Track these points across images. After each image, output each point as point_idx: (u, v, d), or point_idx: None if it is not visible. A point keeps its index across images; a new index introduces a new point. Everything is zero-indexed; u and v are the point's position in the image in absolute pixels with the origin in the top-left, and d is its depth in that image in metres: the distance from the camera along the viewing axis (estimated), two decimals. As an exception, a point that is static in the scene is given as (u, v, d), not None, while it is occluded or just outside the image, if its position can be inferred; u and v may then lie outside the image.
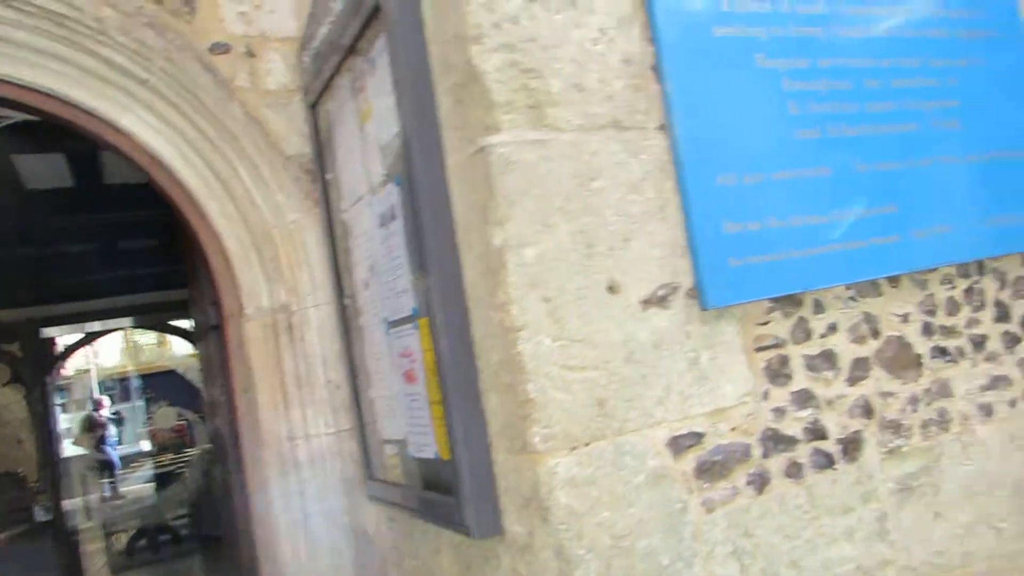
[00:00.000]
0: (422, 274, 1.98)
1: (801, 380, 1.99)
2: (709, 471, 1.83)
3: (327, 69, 2.67)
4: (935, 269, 2.24)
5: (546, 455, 1.68)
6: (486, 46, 1.77)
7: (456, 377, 1.88)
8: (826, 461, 1.99)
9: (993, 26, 2.46)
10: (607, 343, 1.77)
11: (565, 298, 1.75)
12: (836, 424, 2.02)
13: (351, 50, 2.44)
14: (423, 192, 1.94)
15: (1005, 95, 2.42)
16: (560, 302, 1.74)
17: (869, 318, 2.12)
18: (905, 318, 2.18)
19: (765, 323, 1.97)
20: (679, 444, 1.81)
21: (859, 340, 2.09)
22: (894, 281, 2.18)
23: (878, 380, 2.10)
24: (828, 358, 2.04)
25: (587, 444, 1.71)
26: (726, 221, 1.91)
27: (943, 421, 2.18)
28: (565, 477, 1.68)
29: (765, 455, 1.91)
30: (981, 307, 2.31)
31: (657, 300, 1.84)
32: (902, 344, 2.16)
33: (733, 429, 1.88)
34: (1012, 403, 2.32)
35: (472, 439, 1.86)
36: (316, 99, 2.83)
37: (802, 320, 2.02)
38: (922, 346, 2.19)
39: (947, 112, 2.30)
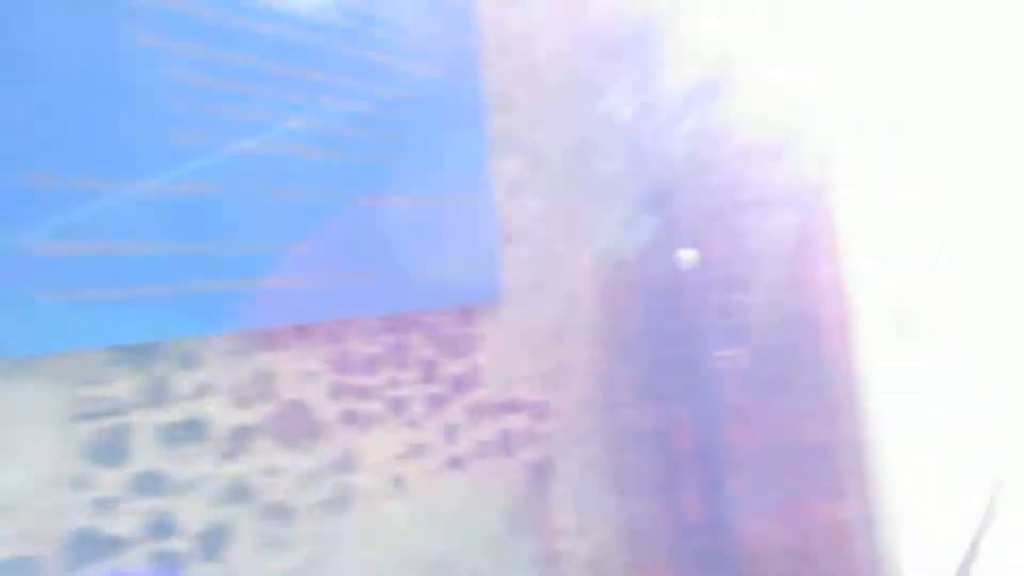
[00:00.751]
0: None
1: (149, 458, 1.50)
2: (-41, 602, 1.24)
3: None
4: (355, 320, 1.94)
5: None
6: None
7: None
8: (174, 564, 1.52)
9: (449, 66, 2.30)
10: None
11: None
12: (196, 514, 1.57)
13: None
14: None
15: (454, 136, 2.26)
16: None
17: (262, 376, 1.72)
18: (311, 377, 1.83)
19: (100, 381, 1.45)
20: (-96, 566, 1.19)
21: (244, 404, 1.68)
22: (302, 332, 1.82)
23: (265, 453, 1.71)
24: (196, 428, 1.59)
25: None
26: (41, 237, 1.36)
27: (345, 499, 1.87)
28: None
29: (73, 566, 1.37)
30: (406, 366, 2.07)
31: None
32: (303, 408, 1.80)
33: (19, 535, 1.31)
34: (431, 473, 2.10)
35: None
36: None
37: (160, 378, 1.54)
38: (329, 410, 1.86)
39: (389, 147, 2.05)
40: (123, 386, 1.48)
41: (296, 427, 1.78)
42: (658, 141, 2.70)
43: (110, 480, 1.44)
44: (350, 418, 1.90)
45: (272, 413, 1.73)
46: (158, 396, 1.53)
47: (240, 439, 1.66)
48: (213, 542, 1.59)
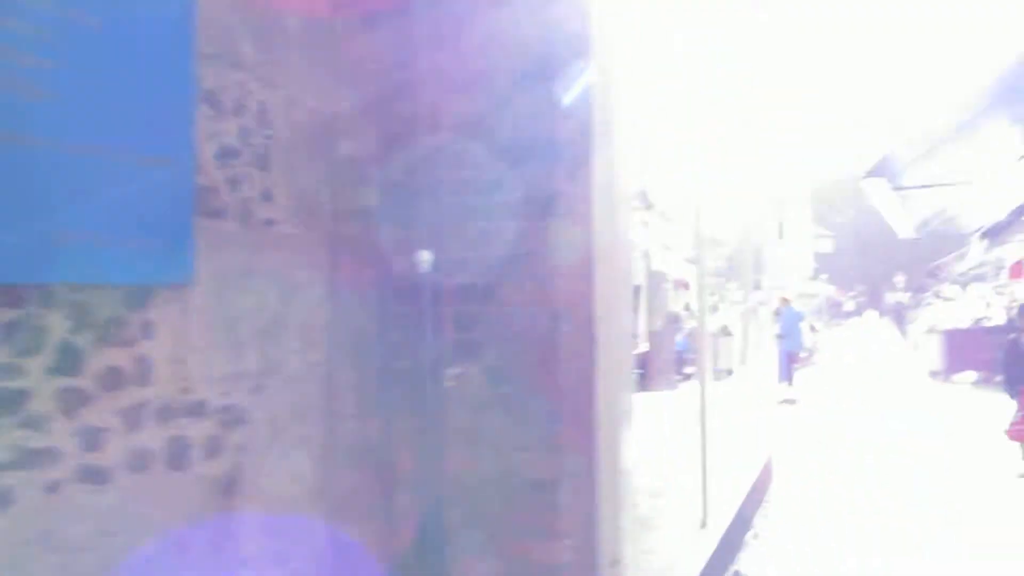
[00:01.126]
0: None
1: None
2: None
3: None
4: (-49, 287, 1.51)
5: None
6: None
7: None
8: None
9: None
10: None
11: None
12: None
13: None
14: None
15: (129, 74, 1.85)
16: None
17: None
18: None
19: None
20: None
21: None
22: None
23: None
24: None
25: None
26: None
27: (-99, 518, 1.43)
28: None
29: None
30: (32, 351, 1.66)
31: None
32: None
33: None
34: (53, 487, 1.69)
35: None
36: None
37: None
38: None
39: (30, 72, 1.63)
40: None
41: None
42: (411, 126, 2.42)
43: None
44: (-75, 412, 1.47)
45: None
46: None
47: None
48: None
